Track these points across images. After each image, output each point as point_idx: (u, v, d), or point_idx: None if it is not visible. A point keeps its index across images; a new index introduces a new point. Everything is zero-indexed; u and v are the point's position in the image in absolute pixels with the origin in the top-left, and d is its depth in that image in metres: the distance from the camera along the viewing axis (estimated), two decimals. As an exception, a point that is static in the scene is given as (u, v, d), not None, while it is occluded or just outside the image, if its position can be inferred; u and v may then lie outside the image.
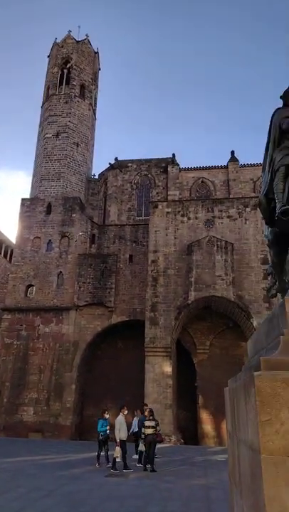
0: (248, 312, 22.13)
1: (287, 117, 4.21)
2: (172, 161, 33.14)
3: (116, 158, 34.09)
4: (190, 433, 23.66)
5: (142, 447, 12.37)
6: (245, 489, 3.14)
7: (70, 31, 37.69)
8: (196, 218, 24.91)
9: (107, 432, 12.56)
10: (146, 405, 15.93)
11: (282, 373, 2.53)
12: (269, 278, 5.52)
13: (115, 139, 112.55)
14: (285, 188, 3.94)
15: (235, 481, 3.93)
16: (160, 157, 33.80)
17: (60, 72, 35.43)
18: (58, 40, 37.45)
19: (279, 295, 4.99)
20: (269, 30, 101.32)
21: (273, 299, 6.32)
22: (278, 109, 4.48)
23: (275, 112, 4.45)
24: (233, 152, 32.36)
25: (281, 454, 2.35)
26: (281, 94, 4.49)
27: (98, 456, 12.56)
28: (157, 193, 32.50)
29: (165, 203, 26.20)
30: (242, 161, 32.04)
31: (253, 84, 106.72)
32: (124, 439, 11.92)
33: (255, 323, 21.13)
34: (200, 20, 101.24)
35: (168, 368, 21.86)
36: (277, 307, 3.39)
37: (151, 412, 13.10)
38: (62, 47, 36.78)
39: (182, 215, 25.13)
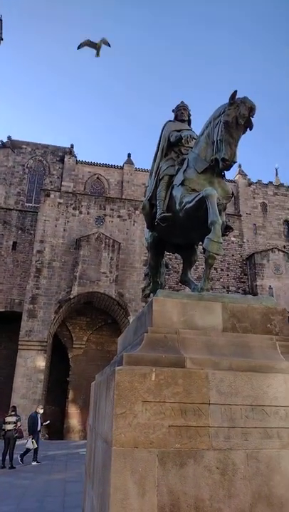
0: (126, 310, 22.94)
1: (176, 131, 4.51)
2: (70, 151, 32.39)
3: (9, 137, 31.74)
4: (57, 428, 23.39)
5: (29, 444, 11.87)
6: (97, 481, 3.23)
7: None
8: (88, 213, 24.80)
9: None
10: None
11: (141, 368, 2.68)
12: (145, 279, 5.82)
13: (10, 117, 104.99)
14: (166, 196, 4.20)
15: (90, 474, 4.02)
16: (58, 145, 32.70)
17: None
18: None
19: (152, 295, 5.29)
20: (169, 34, 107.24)
21: (148, 298, 6.69)
22: (169, 121, 4.77)
23: (166, 124, 4.73)
24: (129, 154, 33.21)
25: (131, 446, 2.48)
26: (174, 107, 4.81)
27: None
28: (51, 182, 31.34)
29: (58, 193, 25.45)
30: (137, 165, 33.12)
31: (153, 92, 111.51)
32: None
33: (131, 321, 22.02)
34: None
35: (41, 363, 21.22)
36: (146, 306, 3.59)
37: (13, 408, 12.92)
38: None
39: (74, 208, 24.73)
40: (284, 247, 30.36)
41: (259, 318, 3.31)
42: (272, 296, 25.26)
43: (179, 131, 4.50)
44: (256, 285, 27.37)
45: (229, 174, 36.68)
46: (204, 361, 2.79)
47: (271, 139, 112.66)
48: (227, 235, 4.40)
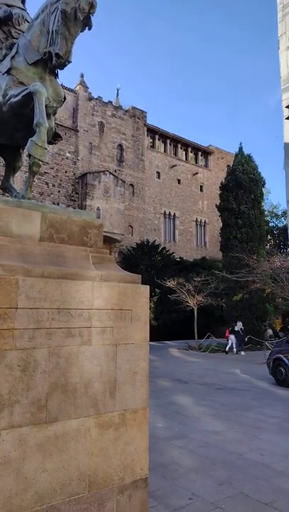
0: None
1: (6, 5, 3.77)
2: None
3: None
4: None
5: None
6: None
7: None
8: None
9: None
10: None
11: None
12: None
13: None
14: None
15: None
16: None
17: None
18: None
19: None
20: None
21: None
22: (-2, -11, 3.93)
23: None
24: None
25: None
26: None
27: None
28: None
29: None
30: None
31: None
32: None
33: None
34: None
35: None
36: None
37: None
38: None
39: None
40: (115, 171, 31.51)
41: (77, 231, 3.40)
42: (99, 217, 26.59)
43: (10, 6, 3.77)
44: (85, 205, 28.04)
45: (70, 83, 34.15)
46: (16, 268, 2.74)
47: (116, 55, 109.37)
48: (55, 143, 4.17)
